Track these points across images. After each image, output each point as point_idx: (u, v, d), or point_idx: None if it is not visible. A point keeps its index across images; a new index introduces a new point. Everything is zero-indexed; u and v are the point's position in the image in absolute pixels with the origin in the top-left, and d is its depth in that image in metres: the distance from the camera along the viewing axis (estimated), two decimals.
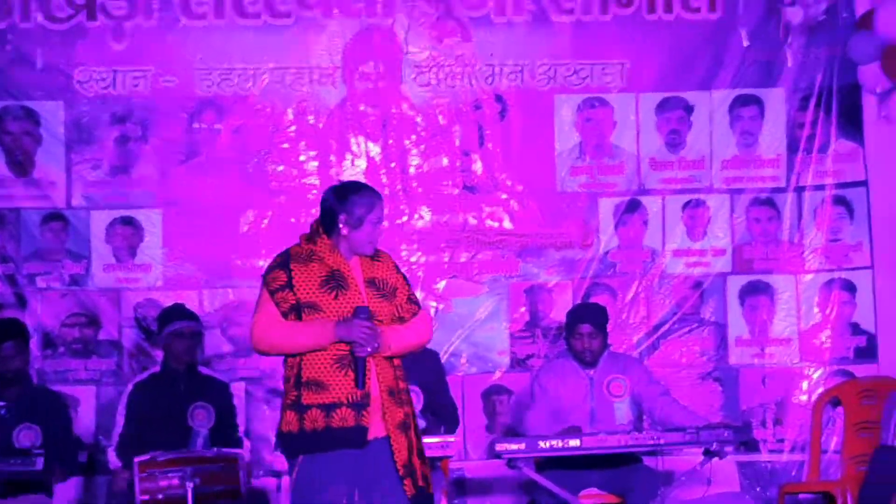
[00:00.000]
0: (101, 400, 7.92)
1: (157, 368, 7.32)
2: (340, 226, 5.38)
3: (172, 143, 8.15)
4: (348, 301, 5.30)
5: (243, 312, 8.04)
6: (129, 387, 7.25)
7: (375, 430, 5.29)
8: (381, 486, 5.30)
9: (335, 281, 5.34)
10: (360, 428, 5.25)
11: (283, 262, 5.40)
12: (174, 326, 7.21)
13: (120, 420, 7.15)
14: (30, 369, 7.39)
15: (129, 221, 8.07)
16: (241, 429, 7.36)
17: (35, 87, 8.07)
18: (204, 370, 7.38)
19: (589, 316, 7.38)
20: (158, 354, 7.83)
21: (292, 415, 5.30)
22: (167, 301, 7.92)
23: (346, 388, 5.26)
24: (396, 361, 5.44)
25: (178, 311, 7.32)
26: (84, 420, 7.86)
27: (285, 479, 6.78)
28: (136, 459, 6.42)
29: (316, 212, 5.48)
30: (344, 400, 5.25)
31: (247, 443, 7.30)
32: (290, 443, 5.34)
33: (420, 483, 5.38)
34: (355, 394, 5.25)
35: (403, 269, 5.61)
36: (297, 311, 5.32)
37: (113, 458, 7.04)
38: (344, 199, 5.43)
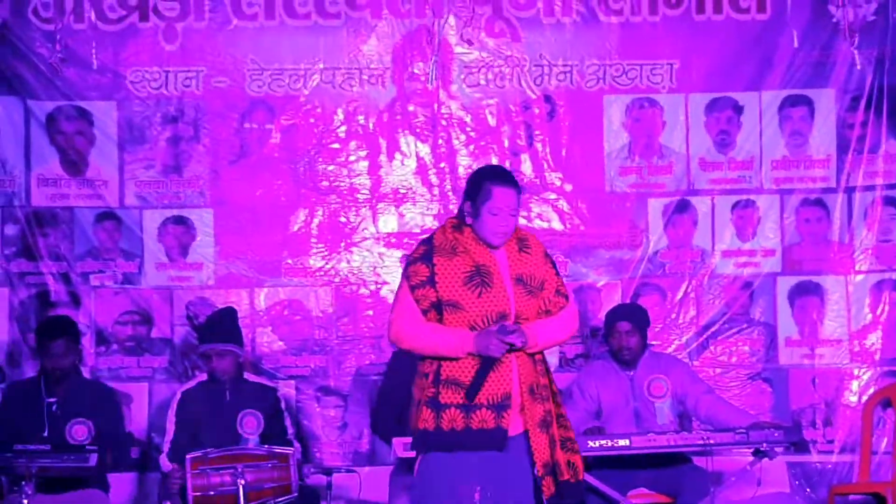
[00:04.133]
0: (153, 397, 7.98)
1: (204, 376, 7.33)
2: (465, 214, 5.22)
3: (224, 143, 8.21)
4: (492, 300, 5.11)
5: (293, 311, 8.12)
6: (178, 395, 7.28)
7: (515, 428, 5.16)
8: (516, 484, 5.18)
9: (480, 277, 5.13)
10: (501, 430, 5.11)
11: (426, 253, 5.19)
12: (211, 349, 7.21)
13: (171, 427, 7.18)
14: (82, 366, 7.46)
15: (181, 220, 8.13)
16: (291, 431, 7.37)
17: (88, 87, 8.13)
18: (251, 377, 7.41)
19: (627, 314, 7.41)
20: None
21: (429, 412, 5.15)
22: (218, 299, 8.01)
23: (486, 389, 5.09)
24: (538, 356, 5.26)
25: (218, 331, 7.27)
26: (137, 417, 7.94)
27: (336, 477, 6.84)
28: (189, 456, 6.48)
29: None
30: (484, 401, 5.10)
31: (296, 444, 7.32)
32: (426, 440, 5.19)
33: (565, 477, 5.27)
34: (496, 395, 5.09)
35: None
36: (437, 309, 5.15)
37: (165, 464, 7.08)
38: (471, 184, 5.26)
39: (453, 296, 5.12)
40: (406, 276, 5.21)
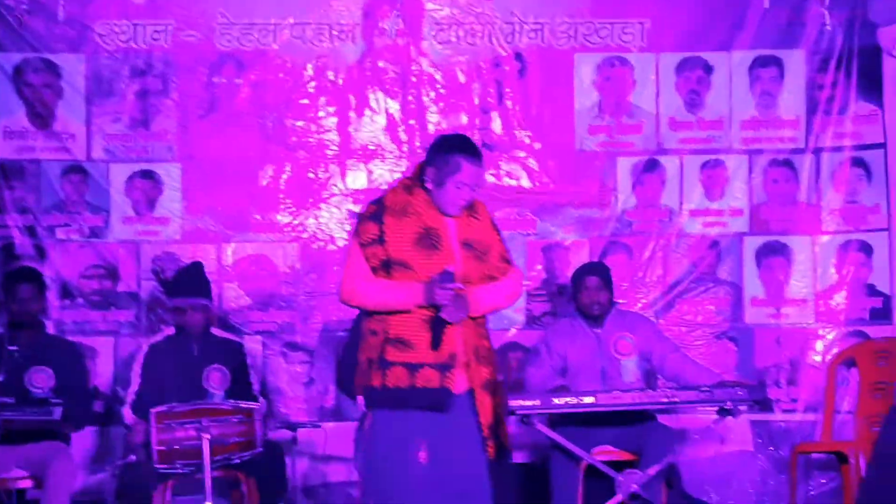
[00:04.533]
0: (119, 351, 7.96)
1: (171, 330, 7.34)
2: (426, 178, 5.29)
3: (192, 98, 8.17)
4: (440, 261, 5.19)
5: (261, 266, 8.10)
6: (145, 347, 7.30)
7: (459, 387, 5.23)
8: (463, 444, 5.25)
9: (429, 239, 5.22)
10: (445, 390, 5.19)
11: (377, 213, 5.26)
12: (182, 302, 7.22)
13: (135, 379, 7.20)
14: (45, 318, 7.44)
15: (148, 175, 8.10)
16: (256, 386, 7.41)
17: (55, 39, 8.07)
18: (218, 332, 7.41)
19: (595, 270, 7.43)
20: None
21: (376, 370, 5.24)
22: (185, 254, 7.98)
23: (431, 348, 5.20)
24: (481, 320, 5.34)
25: (188, 285, 7.29)
26: (102, 371, 7.92)
27: (301, 432, 6.86)
28: (153, 410, 6.46)
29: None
30: (429, 360, 5.18)
31: (262, 399, 7.34)
32: (372, 397, 5.28)
33: (504, 442, 5.36)
34: (441, 355, 5.18)
35: None
36: (386, 268, 5.23)
37: (129, 415, 7.09)
38: (436, 151, 5.31)
39: (402, 255, 5.21)
40: (356, 233, 5.30)
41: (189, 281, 7.30)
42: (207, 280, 7.38)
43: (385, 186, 7.96)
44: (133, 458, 6.41)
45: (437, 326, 5.17)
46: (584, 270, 7.47)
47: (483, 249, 5.34)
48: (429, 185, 5.26)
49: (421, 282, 5.17)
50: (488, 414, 5.26)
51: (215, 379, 7.09)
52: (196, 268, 7.43)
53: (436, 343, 5.17)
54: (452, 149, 5.28)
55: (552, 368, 7.31)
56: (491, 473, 5.36)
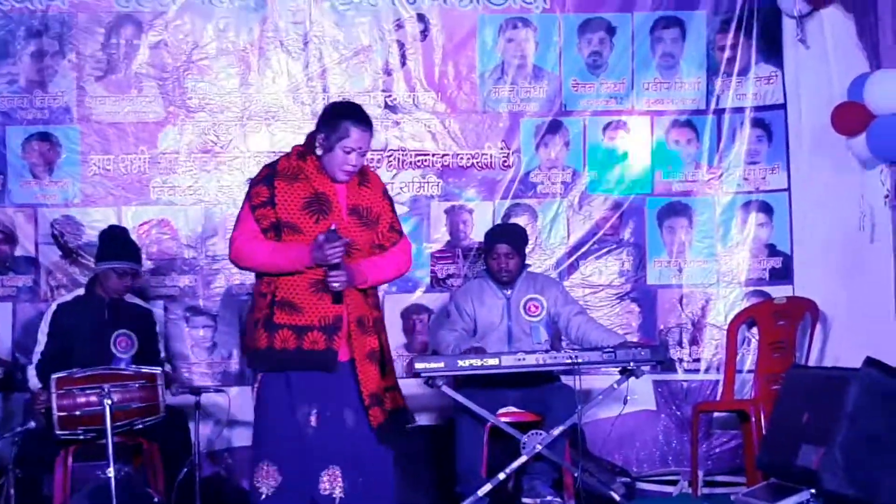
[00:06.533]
0: (17, 317, 7.83)
1: (81, 291, 7.26)
2: (316, 144, 5.37)
3: (90, 59, 8.03)
4: (328, 226, 5.28)
5: (161, 230, 8.01)
6: (53, 306, 7.21)
7: (343, 355, 5.35)
8: (346, 412, 5.37)
9: (318, 204, 5.34)
10: (331, 351, 5.31)
11: (268, 176, 5.39)
12: (114, 265, 7.12)
13: (42, 339, 7.12)
14: None
15: (45, 137, 7.96)
16: (163, 354, 7.40)
17: None
18: (128, 297, 7.32)
19: (506, 236, 7.44)
20: (75, 272, 7.80)
21: (263, 332, 5.33)
22: (85, 218, 7.88)
23: (319, 311, 5.32)
24: (370, 290, 5.47)
25: (120, 245, 7.19)
26: (1, 337, 7.79)
27: (204, 397, 6.82)
28: (54, 376, 6.39)
29: None
30: (316, 323, 5.30)
31: (167, 365, 7.30)
32: (258, 359, 5.36)
33: (394, 405, 5.43)
34: (327, 317, 5.29)
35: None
36: (276, 230, 5.34)
37: (32, 377, 7.01)
38: (325, 118, 5.44)
39: (291, 218, 5.34)
40: (248, 196, 5.44)
41: (123, 245, 7.20)
42: (138, 246, 7.33)
43: (288, 149, 7.87)
44: (33, 424, 6.31)
45: (329, 288, 5.28)
46: (496, 236, 7.46)
47: (372, 218, 5.47)
48: (318, 152, 5.37)
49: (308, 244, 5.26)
50: (371, 383, 5.36)
51: (123, 344, 7.02)
52: (124, 231, 7.37)
53: (337, 299, 5.29)
54: (341, 115, 5.42)
55: (464, 330, 7.32)
56: (389, 437, 5.43)
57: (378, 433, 5.39)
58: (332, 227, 5.28)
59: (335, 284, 5.28)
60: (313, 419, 5.33)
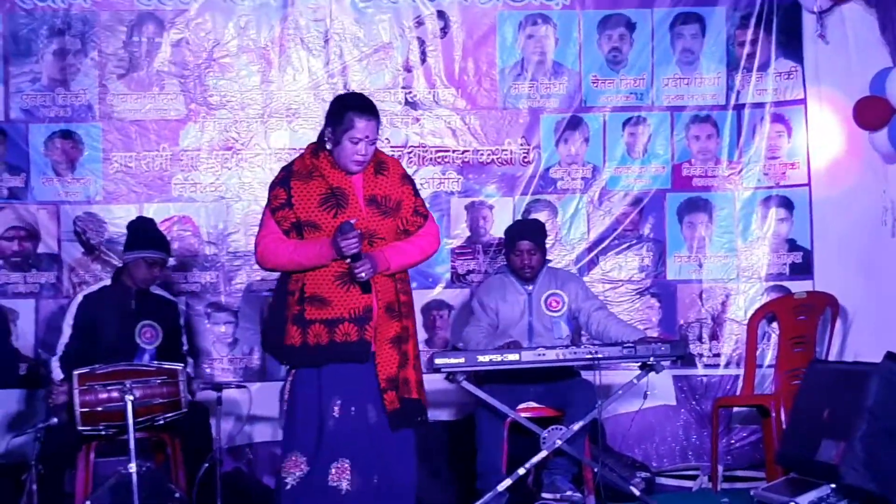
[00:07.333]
0: (40, 313, 7.88)
1: (108, 282, 7.30)
2: (325, 139, 5.39)
3: (112, 57, 8.07)
4: (347, 219, 5.31)
5: (183, 227, 8.04)
6: (79, 297, 7.23)
7: (374, 344, 5.37)
8: (370, 407, 5.39)
9: (335, 199, 5.36)
10: (364, 342, 5.34)
11: (285, 178, 5.42)
12: (145, 254, 7.15)
13: (67, 330, 7.13)
14: None
15: (68, 135, 8.00)
16: (186, 347, 7.42)
17: None
18: (154, 288, 7.37)
19: (528, 232, 7.45)
20: (97, 268, 7.85)
21: (295, 329, 5.36)
22: (107, 215, 7.93)
23: (348, 303, 5.34)
24: (399, 275, 5.48)
25: (149, 235, 7.23)
26: (24, 333, 7.84)
27: (226, 392, 6.84)
28: (76, 372, 6.42)
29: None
30: (346, 315, 5.33)
31: (189, 360, 7.33)
32: (293, 356, 5.37)
33: (411, 395, 5.43)
34: (357, 309, 5.32)
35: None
36: (297, 230, 5.37)
37: (56, 368, 7.02)
38: (331, 112, 5.45)
39: (310, 216, 5.37)
40: (268, 199, 5.47)
41: (152, 234, 7.25)
42: (165, 236, 7.40)
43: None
44: (55, 420, 6.34)
45: (355, 279, 5.31)
46: (518, 233, 7.47)
47: (392, 205, 5.47)
48: (328, 146, 5.39)
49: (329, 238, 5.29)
50: (389, 367, 5.38)
51: (148, 335, 7.08)
52: (152, 223, 7.41)
53: (366, 288, 5.31)
54: (344, 107, 5.44)
55: (490, 325, 7.34)
56: (402, 425, 5.44)
57: (391, 418, 5.39)
58: (348, 221, 5.29)
59: (362, 275, 5.29)
60: (336, 410, 5.34)
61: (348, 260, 5.29)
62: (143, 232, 7.25)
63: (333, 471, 5.37)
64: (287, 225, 5.38)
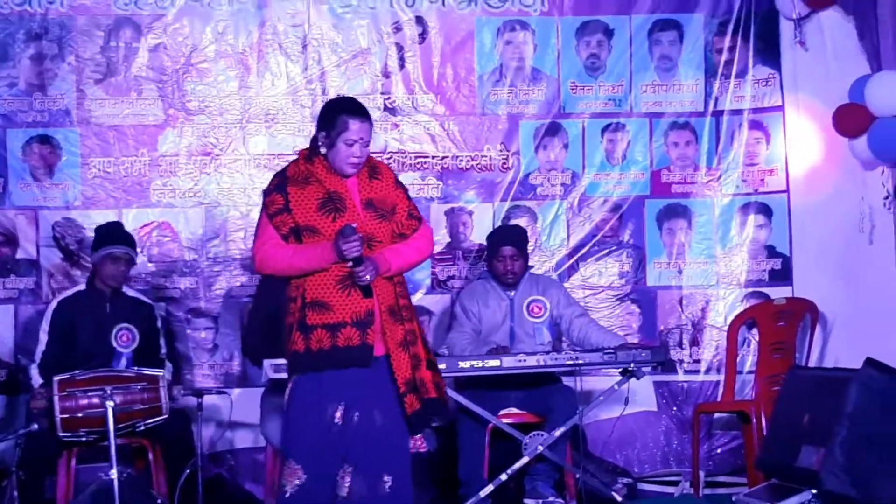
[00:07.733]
0: (19, 319, 7.83)
1: (82, 286, 7.28)
2: (319, 144, 5.39)
3: (89, 62, 8.03)
4: (345, 223, 5.28)
5: (162, 232, 8.02)
6: (54, 303, 7.23)
7: (378, 349, 5.34)
8: (381, 403, 5.35)
9: (332, 203, 5.34)
10: (366, 346, 5.31)
11: (281, 184, 5.40)
12: (110, 250, 7.15)
13: (43, 337, 7.13)
14: None
15: (46, 140, 7.96)
16: (164, 350, 7.40)
17: None
18: (129, 291, 7.36)
19: (511, 238, 7.46)
20: (76, 274, 7.81)
21: (298, 335, 5.33)
22: (86, 221, 7.88)
23: (350, 307, 5.31)
24: (397, 278, 5.47)
25: (115, 234, 7.24)
26: (3, 339, 7.79)
27: (207, 398, 6.81)
28: (56, 378, 6.39)
29: None
30: (348, 319, 5.30)
31: (168, 365, 7.31)
32: (297, 362, 5.34)
33: (431, 395, 5.41)
34: (359, 313, 5.30)
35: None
36: (296, 235, 5.35)
37: (35, 375, 7.00)
38: (324, 116, 5.45)
39: (309, 221, 5.35)
40: (264, 206, 5.44)
41: (116, 233, 7.26)
42: (132, 235, 7.39)
43: (287, 151, 7.92)
44: (35, 426, 6.31)
45: (356, 282, 5.29)
46: (500, 239, 7.48)
47: (387, 209, 5.47)
48: (323, 150, 5.38)
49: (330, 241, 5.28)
50: (405, 371, 5.34)
51: (125, 337, 7.07)
52: (118, 224, 7.42)
53: (367, 292, 5.29)
54: (337, 110, 5.43)
55: (474, 331, 7.34)
56: (422, 426, 5.44)
57: (411, 420, 5.37)
58: (347, 224, 5.27)
59: (367, 277, 5.27)
60: (338, 416, 5.30)
61: (349, 263, 5.26)
62: (108, 231, 7.27)
63: (336, 478, 5.33)
64: (285, 230, 5.36)
